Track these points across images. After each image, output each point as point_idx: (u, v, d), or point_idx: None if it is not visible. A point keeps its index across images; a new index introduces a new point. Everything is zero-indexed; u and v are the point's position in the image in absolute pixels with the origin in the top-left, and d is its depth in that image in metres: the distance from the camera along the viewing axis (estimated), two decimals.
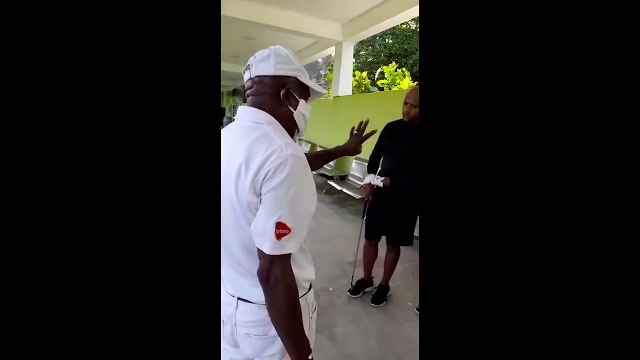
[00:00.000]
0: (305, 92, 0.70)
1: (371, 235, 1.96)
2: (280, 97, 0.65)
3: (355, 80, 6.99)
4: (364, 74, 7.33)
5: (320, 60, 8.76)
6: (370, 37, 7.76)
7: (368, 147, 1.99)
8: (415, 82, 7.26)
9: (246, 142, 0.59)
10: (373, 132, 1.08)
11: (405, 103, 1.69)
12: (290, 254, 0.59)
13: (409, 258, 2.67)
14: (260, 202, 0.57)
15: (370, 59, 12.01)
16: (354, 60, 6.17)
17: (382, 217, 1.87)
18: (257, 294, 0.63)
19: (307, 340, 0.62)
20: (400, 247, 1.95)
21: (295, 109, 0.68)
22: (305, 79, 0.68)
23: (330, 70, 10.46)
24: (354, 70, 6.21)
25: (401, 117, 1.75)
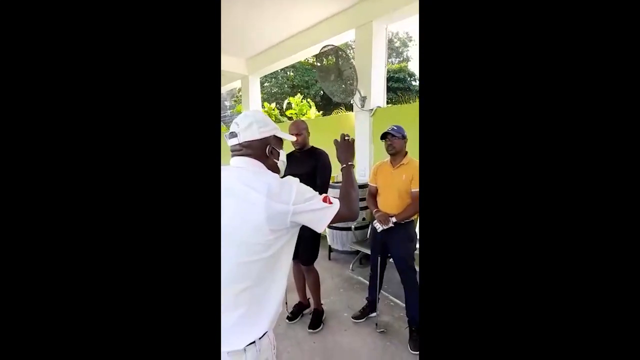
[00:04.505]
0: (280, 142, 0.91)
1: None
2: (267, 153, 0.84)
3: (265, 112, 7.22)
4: (273, 104, 7.66)
5: (224, 92, 8.88)
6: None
7: None
8: (321, 112, 7.88)
9: (263, 188, 0.74)
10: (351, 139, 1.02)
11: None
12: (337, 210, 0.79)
13: (337, 272, 2.84)
14: (301, 217, 0.76)
15: (275, 90, 12.59)
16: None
17: None
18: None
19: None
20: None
21: (278, 159, 0.88)
22: (280, 133, 0.87)
23: (235, 101, 10.52)
24: (262, 102, 6.44)
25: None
